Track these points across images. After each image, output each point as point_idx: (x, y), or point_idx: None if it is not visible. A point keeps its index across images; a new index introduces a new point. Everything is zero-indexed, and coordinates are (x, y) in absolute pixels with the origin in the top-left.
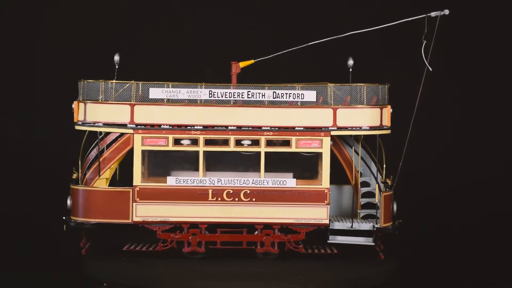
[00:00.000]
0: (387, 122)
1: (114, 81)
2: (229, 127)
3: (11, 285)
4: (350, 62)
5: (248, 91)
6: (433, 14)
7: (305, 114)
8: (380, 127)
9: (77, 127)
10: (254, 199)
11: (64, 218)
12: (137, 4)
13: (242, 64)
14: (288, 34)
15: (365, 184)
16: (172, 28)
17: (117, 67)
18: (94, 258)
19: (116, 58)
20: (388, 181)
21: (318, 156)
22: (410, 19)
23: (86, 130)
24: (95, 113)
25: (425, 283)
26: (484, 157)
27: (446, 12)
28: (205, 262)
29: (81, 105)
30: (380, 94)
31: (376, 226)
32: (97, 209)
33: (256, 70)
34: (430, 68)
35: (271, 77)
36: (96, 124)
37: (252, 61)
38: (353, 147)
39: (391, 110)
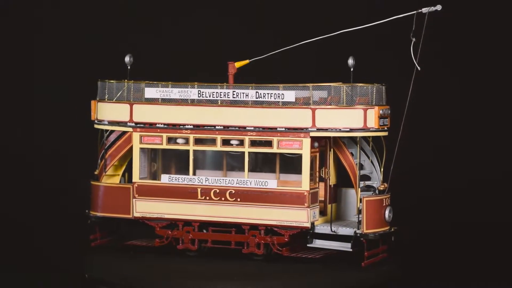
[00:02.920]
0: (373, 123)
1: (115, 81)
2: (216, 127)
3: (11, 285)
4: (350, 61)
5: (233, 91)
6: (424, 10)
7: (286, 114)
8: (364, 129)
9: (95, 126)
10: (238, 199)
11: (87, 211)
12: (138, 4)
13: (238, 64)
14: (291, 35)
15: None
16: (172, 28)
17: (129, 67)
18: (94, 256)
19: (127, 59)
20: (382, 186)
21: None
22: (401, 15)
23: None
24: (102, 112)
25: (422, 283)
26: (483, 158)
27: (438, 8)
28: (196, 260)
29: (95, 104)
30: (372, 94)
31: (357, 232)
32: (104, 203)
33: (260, 70)
34: (418, 68)
35: (274, 77)
36: (102, 122)
37: (247, 61)
38: (371, 152)
39: (381, 112)
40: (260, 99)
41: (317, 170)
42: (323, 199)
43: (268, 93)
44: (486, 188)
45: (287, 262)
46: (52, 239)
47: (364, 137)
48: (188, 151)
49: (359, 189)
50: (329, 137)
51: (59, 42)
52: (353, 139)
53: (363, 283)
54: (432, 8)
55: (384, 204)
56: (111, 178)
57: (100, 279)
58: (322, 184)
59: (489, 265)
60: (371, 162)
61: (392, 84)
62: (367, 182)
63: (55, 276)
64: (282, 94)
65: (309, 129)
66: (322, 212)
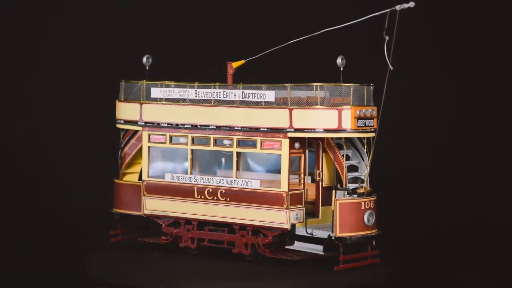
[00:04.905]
0: (350, 124)
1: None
2: (210, 127)
3: (11, 285)
4: (339, 60)
5: (224, 91)
6: (397, 7)
7: (267, 114)
8: (339, 130)
9: (116, 125)
10: (228, 199)
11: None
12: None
13: (235, 65)
14: (290, 35)
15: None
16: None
17: (147, 68)
18: (94, 256)
19: (144, 59)
20: (361, 189)
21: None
22: (378, 13)
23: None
24: (120, 111)
25: (414, 284)
26: (477, 158)
27: (412, 4)
28: (194, 260)
29: (118, 104)
30: (349, 94)
31: (331, 235)
32: (122, 201)
33: (262, 69)
34: (391, 67)
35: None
36: (119, 121)
37: (243, 61)
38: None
39: (358, 112)
40: (246, 99)
41: (303, 171)
42: (313, 200)
43: (252, 93)
44: (483, 188)
45: (276, 263)
46: (52, 239)
47: (359, 139)
48: (195, 150)
49: (333, 192)
50: (321, 138)
51: (63, 43)
52: (349, 140)
53: (337, 285)
54: (405, 5)
55: (363, 208)
56: (130, 176)
57: (100, 278)
58: (313, 185)
59: (487, 266)
60: (366, 164)
61: (393, 84)
62: (356, 185)
63: (55, 276)
64: (263, 94)
65: (287, 129)
66: (313, 214)
